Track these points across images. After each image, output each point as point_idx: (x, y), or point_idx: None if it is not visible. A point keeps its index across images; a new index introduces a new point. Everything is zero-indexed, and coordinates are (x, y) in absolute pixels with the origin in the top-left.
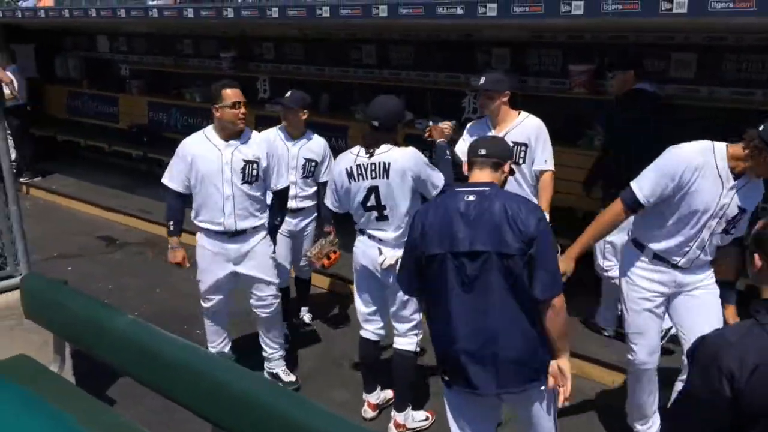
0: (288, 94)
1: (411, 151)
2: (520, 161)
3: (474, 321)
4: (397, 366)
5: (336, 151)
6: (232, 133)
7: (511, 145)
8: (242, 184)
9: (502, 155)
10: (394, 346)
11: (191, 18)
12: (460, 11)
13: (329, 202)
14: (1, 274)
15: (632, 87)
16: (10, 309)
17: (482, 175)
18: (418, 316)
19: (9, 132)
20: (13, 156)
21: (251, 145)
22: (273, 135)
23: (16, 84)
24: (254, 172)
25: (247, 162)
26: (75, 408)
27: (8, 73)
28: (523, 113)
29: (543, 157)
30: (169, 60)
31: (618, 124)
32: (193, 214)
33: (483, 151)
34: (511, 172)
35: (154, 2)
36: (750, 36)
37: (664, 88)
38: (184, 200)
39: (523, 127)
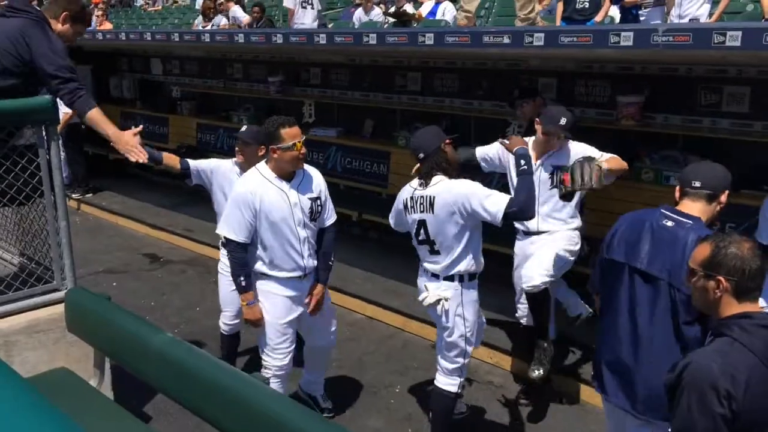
0: (243, 128)
1: (459, 184)
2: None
3: (627, 341)
4: (435, 403)
5: (378, 176)
6: (291, 172)
7: (552, 169)
8: (311, 221)
9: (718, 186)
10: (436, 383)
11: (241, 43)
12: (506, 40)
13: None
14: (47, 287)
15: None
16: (56, 322)
17: (693, 207)
18: (462, 360)
19: (62, 149)
20: (65, 173)
21: (310, 180)
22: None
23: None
24: (319, 208)
25: (312, 200)
26: (111, 423)
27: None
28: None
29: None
30: (219, 83)
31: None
32: (259, 263)
33: (697, 184)
34: (725, 205)
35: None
36: None
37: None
38: (248, 250)
39: (563, 151)
